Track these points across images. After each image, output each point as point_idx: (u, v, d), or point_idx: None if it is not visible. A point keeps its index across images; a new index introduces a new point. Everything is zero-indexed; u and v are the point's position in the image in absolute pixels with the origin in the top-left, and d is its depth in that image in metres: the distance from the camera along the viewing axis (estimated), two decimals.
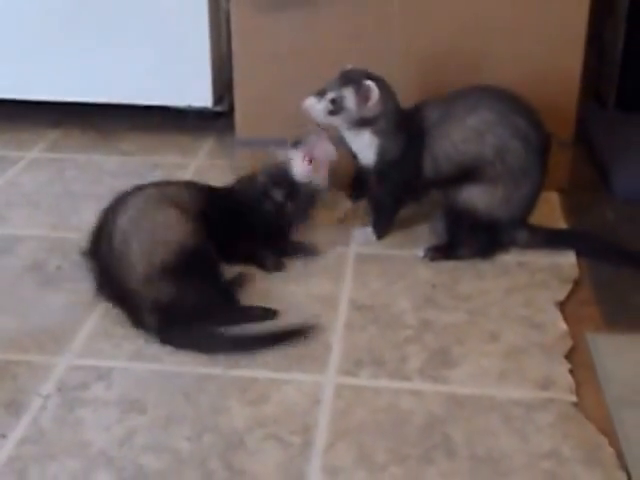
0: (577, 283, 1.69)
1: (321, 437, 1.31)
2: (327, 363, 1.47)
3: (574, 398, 1.39)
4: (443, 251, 1.77)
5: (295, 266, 1.75)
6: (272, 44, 1.96)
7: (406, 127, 1.74)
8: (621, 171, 2.05)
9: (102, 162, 2.19)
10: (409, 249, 1.80)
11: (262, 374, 1.44)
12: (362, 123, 1.72)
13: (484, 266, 1.74)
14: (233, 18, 1.97)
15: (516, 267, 1.74)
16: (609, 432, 1.32)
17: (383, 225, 1.84)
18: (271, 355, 1.48)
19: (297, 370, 1.45)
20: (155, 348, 1.50)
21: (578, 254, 1.77)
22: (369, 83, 1.68)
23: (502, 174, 1.69)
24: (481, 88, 1.75)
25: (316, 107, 1.70)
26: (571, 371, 1.45)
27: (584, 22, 1.87)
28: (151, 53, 2.22)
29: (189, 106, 2.30)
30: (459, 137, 1.71)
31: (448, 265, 1.75)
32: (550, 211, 1.91)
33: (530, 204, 1.75)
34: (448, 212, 1.77)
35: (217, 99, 2.29)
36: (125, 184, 1.84)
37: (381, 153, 1.75)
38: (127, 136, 2.30)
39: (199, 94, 2.26)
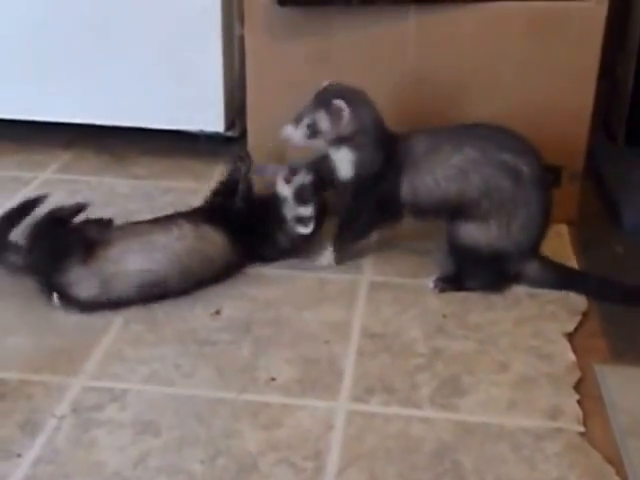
0: (585, 315, 1.71)
1: (333, 462, 1.33)
2: (339, 390, 1.49)
3: (582, 428, 1.41)
4: (452, 282, 1.79)
5: (308, 293, 1.77)
6: (285, 71, 1.99)
7: (387, 147, 1.77)
8: (630, 205, 2.08)
9: (114, 185, 2.21)
10: (421, 278, 1.82)
11: (274, 399, 1.46)
12: (340, 141, 1.77)
13: (494, 297, 1.76)
14: (247, 45, 1.99)
15: (526, 298, 1.76)
16: (616, 461, 1.34)
17: (343, 241, 1.85)
18: (283, 380, 1.50)
19: (310, 396, 1.47)
20: (168, 371, 1.52)
21: (594, 298, 1.76)
22: (338, 103, 1.73)
23: (491, 210, 1.71)
24: (469, 125, 1.77)
25: (295, 134, 1.76)
26: (579, 402, 1.47)
27: (596, 56, 1.89)
28: (164, 78, 2.25)
29: (201, 131, 2.33)
30: (442, 174, 1.73)
31: (458, 295, 1.77)
32: (559, 243, 1.94)
33: (534, 233, 1.75)
34: (451, 248, 1.79)
35: (229, 124, 2.32)
36: (137, 207, 1.87)
37: (357, 167, 1.78)
38: (139, 159, 2.32)
39: (211, 119, 2.29)
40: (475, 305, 1.74)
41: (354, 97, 1.75)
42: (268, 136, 2.00)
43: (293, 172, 1.84)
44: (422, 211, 1.79)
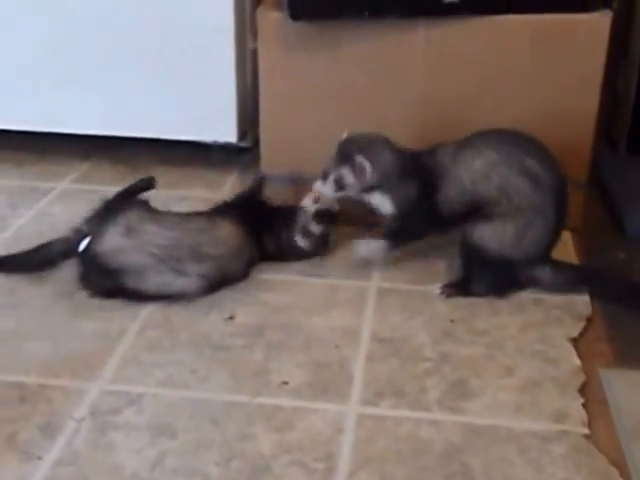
0: (590, 321, 1.74)
1: (344, 464, 1.36)
2: (350, 393, 1.52)
3: (587, 431, 1.43)
4: (459, 288, 1.82)
5: (319, 299, 1.81)
6: (297, 83, 2.02)
7: (418, 172, 1.82)
8: (632, 212, 2.11)
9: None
10: (428, 284, 1.85)
11: (287, 402, 1.49)
12: (369, 189, 1.83)
13: (500, 302, 1.79)
14: (260, 58, 2.02)
15: (531, 304, 1.79)
16: (620, 464, 1.37)
17: (395, 241, 1.88)
18: (295, 384, 1.54)
19: (321, 399, 1.50)
20: (184, 375, 1.56)
21: (600, 297, 1.81)
22: (360, 160, 1.79)
23: (510, 211, 1.74)
24: (491, 131, 1.80)
25: (324, 190, 1.85)
26: (584, 405, 1.49)
27: (601, 68, 1.92)
28: (179, 90, 2.28)
29: (215, 141, 2.36)
30: (468, 179, 1.77)
31: (465, 301, 1.80)
32: (563, 250, 1.95)
33: (546, 243, 1.78)
34: (463, 248, 1.82)
35: (241, 135, 2.35)
36: None
37: (397, 204, 1.84)
38: (155, 169, 2.34)
39: (224, 130, 2.32)
40: (482, 310, 1.76)
41: (374, 148, 1.81)
42: (280, 146, 2.04)
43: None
44: (456, 217, 1.80)
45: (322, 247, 1.95)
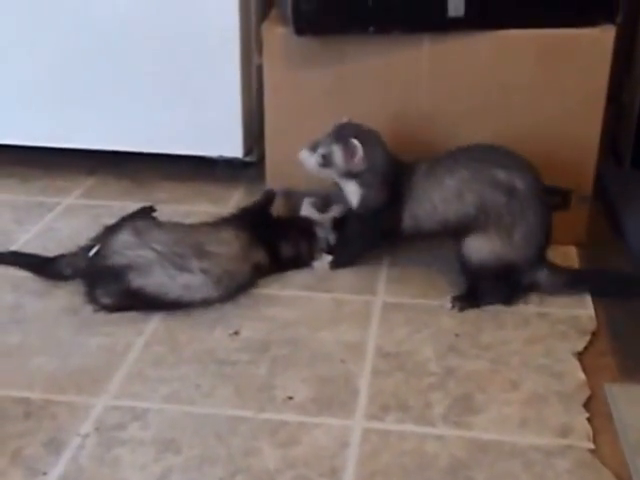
0: (595, 335, 1.74)
1: (349, 479, 1.36)
2: (355, 408, 1.52)
3: (592, 445, 1.43)
4: (469, 300, 1.83)
5: (324, 313, 1.81)
6: (302, 98, 2.03)
7: (392, 181, 1.86)
8: (636, 227, 2.10)
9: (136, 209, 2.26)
10: (433, 299, 1.85)
11: (292, 417, 1.50)
12: (350, 175, 1.87)
13: (505, 316, 1.79)
14: (265, 73, 2.03)
15: (536, 318, 1.79)
16: (625, 478, 1.37)
17: (342, 259, 1.97)
18: (300, 399, 1.54)
19: (326, 414, 1.50)
20: (189, 391, 1.56)
21: (600, 295, 1.83)
22: (355, 142, 1.82)
23: (489, 223, 1.77)
24: (464, 148, 1.82)
25: (308, 160, 1.87)
26: (589, 419, 1.49)
27: (605, 83, 1.92)
28: (185, 105, 2.29)
29: (220, 156, 2.37)
30: (439, 197, 1.80)
31: (471, 315, 1.80)
32: (568, 264, 1.95)
33: (538, 243, 1.79)
34: (462, 265, 1.84)
35: (247, 150, 2.35)
36: None
37: (364, 202, 1.89)
38: (160, 184, 2.37)
39: (230, 145, 2.33)
40: (487, 324, 1.77)
41: (369, 139, 1.85)
42: (285, 161, 2.05)
43: (325, 202, 2.01)
44: (422, 234, 1.87)
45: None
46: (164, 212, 2.05)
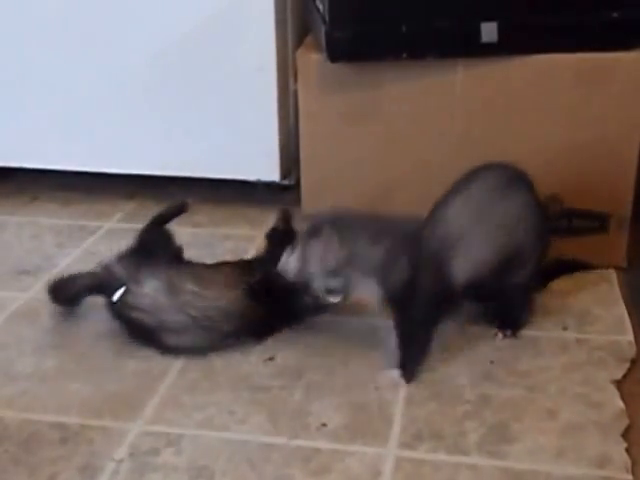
0: (634, 362, 1.70)
1: None
2: (388, 436, 1.51)
3: (630, 477, 1.40)
4: (512, 324, 1.79)
5: (359, 339, 1.80)
6: (336, 123, 2.03)
7: (409, 244, 1.65)
8: None
9: (175, 233, 2.23)
10: (468, 325, 1.83)
11: (325, 445, 1.49)
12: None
13: (542, 343, 1.77)
14: (300, 99, 2.05)
15: (574, 344, 1.77)
16: None
17: (414, 361, 1.68)
18: (334, 426, 1.53)
19: (359, 442, 1.49)
20: (223, 417, 1.56)
21: None
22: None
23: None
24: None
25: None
26: (627, 449, 1.46)
27: None
28: (224, 131, 2.32)
29: (258, 180, 2.39)
30: (502, 232, 1.69)
31: (506, 341, 1.78)
32: (609, 289, 1.94)
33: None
34: (501, 295, 1.78)
35: (284, 173, 2.37)
36: (196, 254, 1.93)
37: (382, 286, 1.65)
38: (199, 208, 2.37)
39: (268, 169, 2.35)
40: (523, 351, 1.74)
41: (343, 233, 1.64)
42: (320, 185, 2.06)
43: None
44: (481, 284, 1.70)
45: None
46: (203, 235, 2.07)
